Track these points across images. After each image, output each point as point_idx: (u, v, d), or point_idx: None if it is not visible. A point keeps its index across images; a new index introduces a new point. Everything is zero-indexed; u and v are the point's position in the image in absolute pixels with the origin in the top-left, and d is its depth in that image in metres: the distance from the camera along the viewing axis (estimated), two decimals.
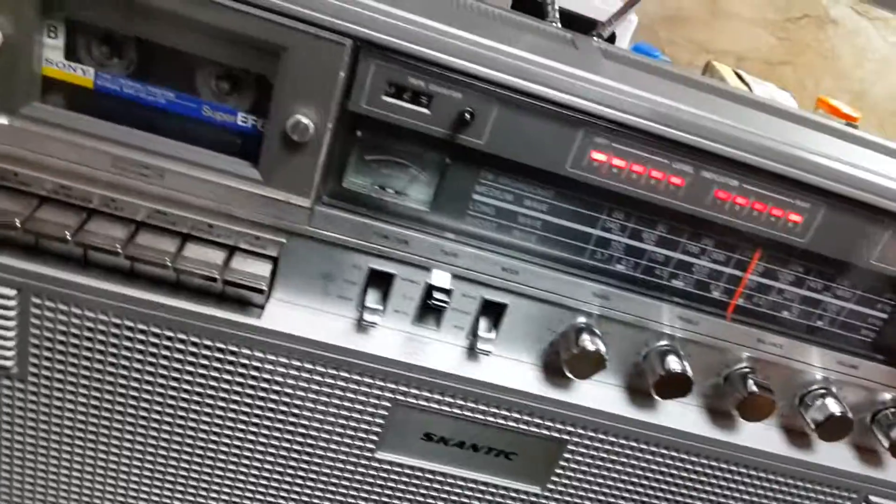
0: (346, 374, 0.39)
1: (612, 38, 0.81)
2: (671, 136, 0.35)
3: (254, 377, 0.38)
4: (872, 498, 0.44)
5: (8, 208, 0.34)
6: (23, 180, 0.35)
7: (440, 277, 0.38)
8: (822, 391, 0.42)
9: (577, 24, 0.76)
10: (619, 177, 0.36)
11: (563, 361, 0.39)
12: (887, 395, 0.42)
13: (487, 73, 0.33)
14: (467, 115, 0.34)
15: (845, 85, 1.01)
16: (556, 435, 0.41)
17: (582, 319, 0.40)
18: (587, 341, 0.39)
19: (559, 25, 0.44)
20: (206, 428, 0.40)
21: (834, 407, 0.41)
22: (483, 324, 0.40)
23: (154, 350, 0.37)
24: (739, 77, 0.92)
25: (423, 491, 0.43)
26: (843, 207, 0.37)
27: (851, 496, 0.44)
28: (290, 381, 0.39)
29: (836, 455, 0.43)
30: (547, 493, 0.43)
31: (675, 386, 0.40)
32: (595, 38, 0.43)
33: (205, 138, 0.35)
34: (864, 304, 0.41)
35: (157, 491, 0.42)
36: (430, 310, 0.39)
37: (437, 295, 0.38)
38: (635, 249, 0.39)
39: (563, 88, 0.34)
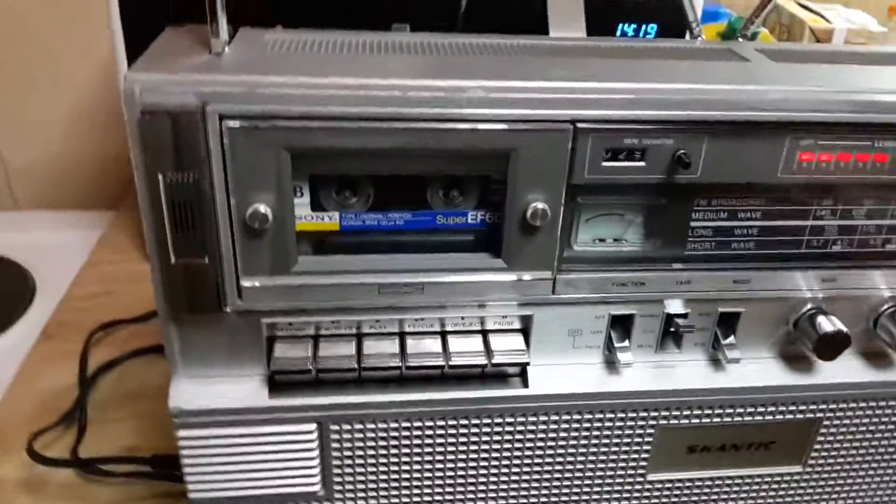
0: (612, 415, 0.42)
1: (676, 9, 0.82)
2: (871, 120, 0.37)
3: (528, 439, 0.42)
4: None
5: (294, 355, 0.38)
6: (297, 327, 0.38)
7: (676, 305, 0.41)
8: None
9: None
10: (827, 169, 0.38)
11: (811, 350, 0.41)
12: None
13: (693, 115, 0.36)
14: (684, 157, 0.36)
15: None
16: (811, 416, 0.44)
17: (810, 305, 0.42)
18: (827, 325, 0.41)
19: (704, 38, 0.46)
20: (488, 496, 0.43)
21: None
22: (721, 334, 0.42)
23: (441, 440, 0.41)
24: (805, 7, 0.92)
25: (695, 498, 0.45)
26: None
27: None
28: (563, 434, 0.42)
29: None
30: (808, 470, 0.46)
31: None
32: (741, 40, 0.45)
33: (443, 243, 0.38)
34: None
35: None
36: (669, 336, 0.42)
37: (681, 322, 0.40)
38: (848, 227, 0.40)
39: (762, 107, 0.36)
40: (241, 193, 0.34)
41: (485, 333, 0.40)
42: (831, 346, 0.41)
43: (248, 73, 0.33)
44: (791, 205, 0.39)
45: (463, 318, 0.40)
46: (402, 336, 0.40)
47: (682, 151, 0.36)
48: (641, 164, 0.37)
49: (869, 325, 0.43)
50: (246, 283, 0.36)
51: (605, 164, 0.36)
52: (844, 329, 0.41)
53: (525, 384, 0.41)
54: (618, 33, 0.78)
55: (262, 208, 0.34)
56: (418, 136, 0.34)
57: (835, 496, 0.47)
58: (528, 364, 0.40)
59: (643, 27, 0.80)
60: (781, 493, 0.46)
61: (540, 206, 0.36)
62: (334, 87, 0.33)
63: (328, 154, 0.35)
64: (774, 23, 0.92)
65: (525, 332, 0.40)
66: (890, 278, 0.42)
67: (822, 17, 0.87)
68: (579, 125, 0.35)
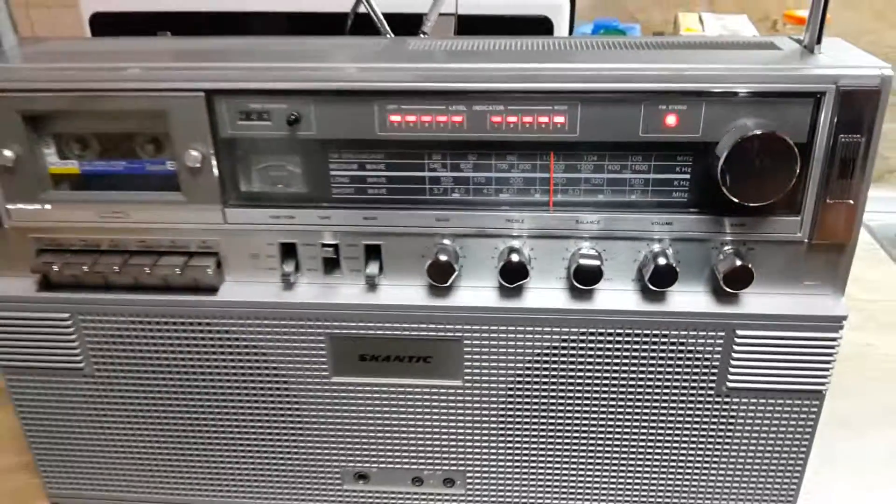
0: (289, 322, 0.54)
1: (549, 27, 0.92)
2: (437, 88, 0.48)
3: (220, 338, 0.55)
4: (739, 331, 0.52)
5: (48, 261, 0.54)
6: (57, 242, 0.54)
7: (327, 236, 0.53)
8: (655, 251, 0.51)
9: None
10: (416, 128, 0.49)
11: (428, 274, 0.52)
12: (713, 241, 0.50)
13: (299, 86, 0.48)
14: (293, 117, 0.49)
15: None
16: (452, 335, 0.54)
17: (438, 240, 0.52)
18: (441, 254, 0.51)
19: (391, 35, 0.58)
20: (197, 391, 0.57)
21: (661, 259, 0.50)
22: (372, 263, 0.53)
23: (160, 333, 0.55)
24: (700, 19, 0.99)
25: (376, 400, 0.56)
26: (595, 99, 0.47)
27: (718, 335, 0.52)
28: (252, 336, 0.55)
29: (690, 300, 0.52)
30: (469, 384, 0.55)
31: (518, 275, 0.51)
32: (422, 36, 0.57)
33: (153, 183, 0.53)
34: (665, 170, 0.50)
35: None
36: (330, 262, 0.54)
37: (325, 249, 0.52)
38: (461, 178, 0.51)
39: (348, 78, 0.48)
40: None
41: (191, 255, 0.54)
42: (441, 273, 0.51)
43: (5, 62, 0.51)
44: (406, 158, 0.50)
45: (173, 241, 0.54)
46: (130, 253, 0.54)
47: (294, 113, 0.49)
48: (267, 123, 0.50)
49: (494, 260, 0.53)
50: (11, 206, 0.53)
51: (241, 122, 0.50)
52: (448, 259, 0.51)
53: (216, 292, 0.54)
54: None
55: (8, 153, 0.51)
56: (99, 100, 0.49)
57: (497, 412, 0.56)
58: (210, 276, 0.53)
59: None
60: (445, 403, 0.56)
61: (193, 153, 0.50)
62: (51, 70, 0.49)
63: (56, 117, 0.51)
64: (674, 32, 0.99)
65: (217, 255, 0.54)
66: (503, 219, 0.51)
67: (702, 25, 0.93)
68: (210, 93, 0.49)
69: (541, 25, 0.92)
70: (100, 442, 0.60)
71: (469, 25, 0.89)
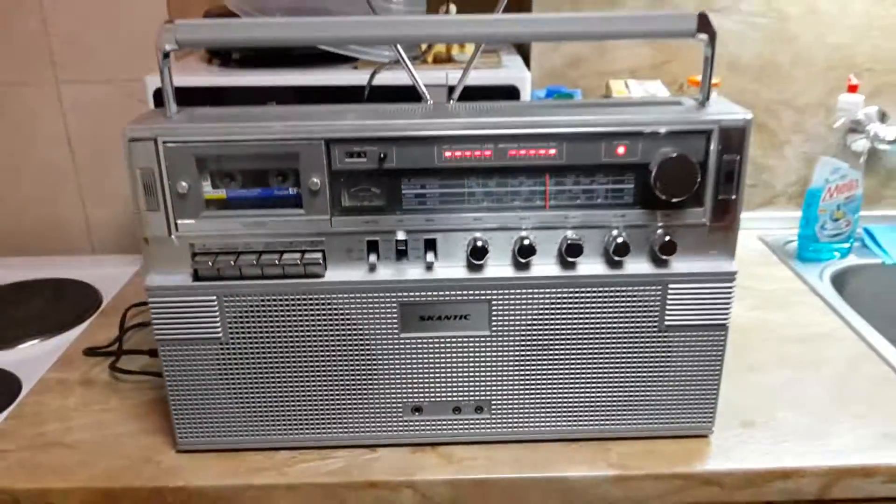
0: (372, 294, 0.79)
1: (515, 92, 1.21)
2: (473, 135, 0.75)
3: (323, 309, 0.79)
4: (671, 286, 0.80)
5: (203, 261, 0.78)
6: (207, 247, 0.78)
7: (400, 235, 0.78)
8: (614, 234, 0.79)
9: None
10: (461, 160, 0.76)
11: (470, 255, 0.78)
12: (651, 226, 0.79)
13: (382, 134, 0.75)
14: (382, 155, 0.75)
15: (721, 59, 1.37)
16: (483, 298, 0.80)
17: (474, 234, 0.79)
18: (478, 242, 0.78)
19: (430, 100, 0.85)
20: (304, 350, 0.80)
21: (619, 239, 0.78)
22: (429, 252, 0.79)
23: (283, 309, 0.79)
24: (626, 84, 1.30)
25: (432, 349, 0.81)
26: (574, 138, 0.75)
27: (657, 289, 0.80)
28: (346, 306, 0.79)
29: (638, 267, 0.79)
30: (494, 334, 0.81)
31: (528, 254, 0.78)
32: (453, 101, 0.84)
33: (278, 203, 0.78)
34: (618, 182, 0.78)
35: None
36: (401, 252, 0.79)
37: (398, 243, 0.78)
38: (489, 192, 0.78)
39: (418, 129, 0.75)
40: (173, 178, 0.75)
41: (304, 252, 0.79)
42: (478, 255, 0.77)
43: (178, 123, 0.75)
44: (454, 178, 0.77)
45: (291, 242, 0.79)
46: (260, 254, 0.79)
47: (382, 152, 0.75)
48: (364, 160, 0.76)
49: (514, 246, 0.79)
50: (179, 222, 0.77)
51: (347, 159, 0.76)
52: (485, 245, 0.77)
53: (322, 276, 0.79)
54: None
55: (184, 184, 0.75)
56: (251, 147, 0.75)
57: (513, 353, 0.81)
58: (319, 265, 0.78)
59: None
60: (477, 348, 0.81)
61: (315, 180, 0.76)
62: (214, 127, 0.74)
63: (215, 159, 0.75)
64: (604, 95, 1.30)
65: (323, 251, 0.79)
66: (518, 217, 0.78)
67: (629, 90, 1.25)
68: (328, 141, 0.75)
69: (510, 93, 1.21)
70: (226, 396, 0.83)
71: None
